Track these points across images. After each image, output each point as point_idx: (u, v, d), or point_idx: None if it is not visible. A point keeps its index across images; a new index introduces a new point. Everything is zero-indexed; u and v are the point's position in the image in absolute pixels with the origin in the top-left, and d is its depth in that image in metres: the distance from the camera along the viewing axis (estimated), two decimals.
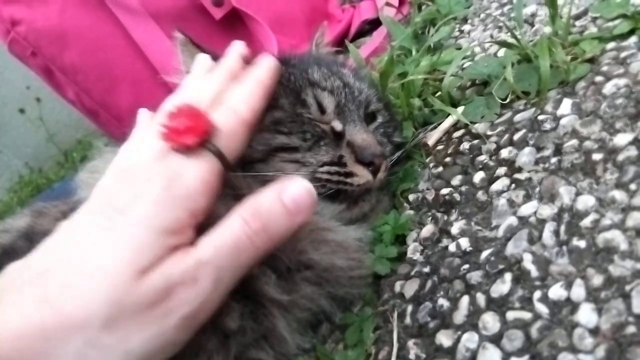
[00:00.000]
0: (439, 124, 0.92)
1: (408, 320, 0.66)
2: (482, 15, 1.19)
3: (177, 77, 0.88)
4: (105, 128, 1.51)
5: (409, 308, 0.67)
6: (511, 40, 0.87)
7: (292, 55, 0.95)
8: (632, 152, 0.63)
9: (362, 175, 0.74)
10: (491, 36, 1.08)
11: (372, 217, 0.80)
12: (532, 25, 1.03)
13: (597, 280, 0.55)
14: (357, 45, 1.64)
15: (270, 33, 1.44)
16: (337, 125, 0.78)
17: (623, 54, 0.78)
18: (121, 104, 1.43)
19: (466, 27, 1.21)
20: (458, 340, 0.60)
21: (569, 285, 0.56)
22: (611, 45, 0.82)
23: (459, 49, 1.12)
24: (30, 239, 0.95)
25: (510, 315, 0.58)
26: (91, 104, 1.44)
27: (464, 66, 1.07)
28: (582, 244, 0.59)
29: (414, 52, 1.15)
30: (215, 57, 0.82)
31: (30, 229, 0.99)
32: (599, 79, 0.77)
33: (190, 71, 0.82)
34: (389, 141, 0.85)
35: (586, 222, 0.61)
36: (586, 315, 0.53)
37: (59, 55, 1.38)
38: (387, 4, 1.39)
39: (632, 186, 0.60)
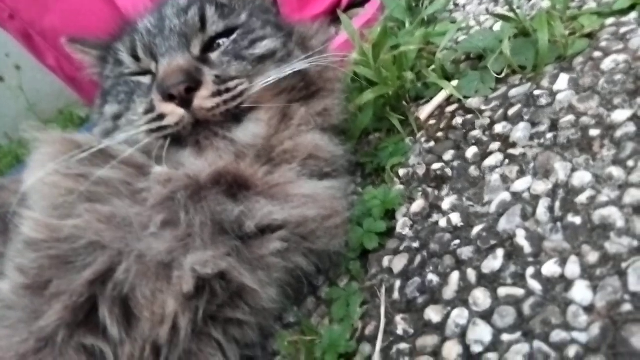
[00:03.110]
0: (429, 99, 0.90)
1: (396, 295, 0.65)
2: None
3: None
4: (86, 96, 1.46)
5: (397, 283, 0.66)
6: (509, 13, 0.84)
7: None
8: (630, 128, 0.62)
9: (170, 112, 0.66)
10: (487, 10, 1.06)
11: (287, 149, 0.72)
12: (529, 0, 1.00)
13: (593, 257, 0.53)
14: (350, 16, 1.60)
15: None
16: (153, 67, 0.74)
17: (623, 30, 0.76)
18: None
19: (461, 0, 1.18)
20: (447, 315, 0.58)
21: (563, 262, 0.55)
22: (610, 20, 0.80)
23: (454, 22, 1.09)
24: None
25: (502, 291, 0.56)
26: (72, 70, 1.39)
27: (459, 40, 1.04)
28: (577, 220, 0.57)
29: (407, 25, 1.12)
30: (92, 43, 0.89)
31: None
32: (597, 54, 0.75)
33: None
34: (237, 57, 0.72)
35: (582, 198, 0.59)
36: (581, 292, 0.51)
37: (39, 19, 1.33)
38: None
39: (630, 163, 0.59)
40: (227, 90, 0.68)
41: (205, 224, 0.63)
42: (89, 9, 1.33)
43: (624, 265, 0.51)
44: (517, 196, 0.65)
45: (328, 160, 0.75)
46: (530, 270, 0.56)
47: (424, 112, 0.89)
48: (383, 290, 0.66)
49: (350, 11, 1.49)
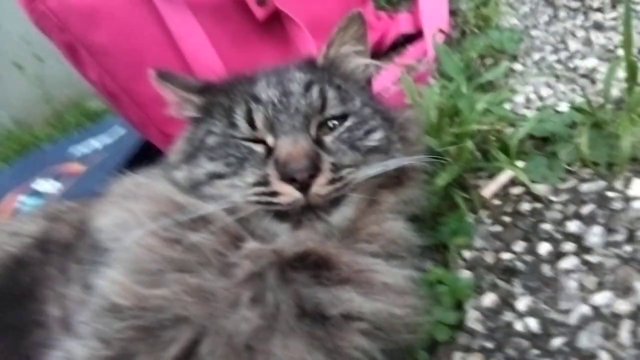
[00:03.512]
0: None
1: None
2: (536, 57, 1.17)
3: (170, 108, 0.90)
4: (125, 113, 1.44)
5: None
6: (586, 107, 0.85)
7: (263, 68, 0.88)
8: None
9: (287, 193, 0.66)
10: (547, 84, 1.06)
11: (372, 233, 0.73)
12: (592, 81, 1.01)
13: None
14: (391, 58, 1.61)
15: (309, 37, 1.38)
16: (270, 140, 0.73)
17: None
18: (146, 92, 1.36)
19: (517, 66, 1.18)
20: None
21: None
22: None
23: (512, 90, 1.10)
24: (45, 250, 0.91)
25: None
26: (114, 87, 1.37)
27: (517, 111, 1.05)
28: None
29: (463, 87, 1.12)
30: (187, 82, 0.85)
31: (45, 237, 0.94)
32: None
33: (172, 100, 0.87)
34: (352, 147, 0.74)
35: None
36: None
37: (88, 34, 1.30)
38: (441, 31, 1.35)
39: None
40: (340, 178, 0.68)
41: (290, 305, 0.63)
42: (140, 31, 1.31)
43: None
44: (597, 311, 0.66)
45: (407, 247, 0.75)
46: None
47: (488, 190, 0.90)
48: None
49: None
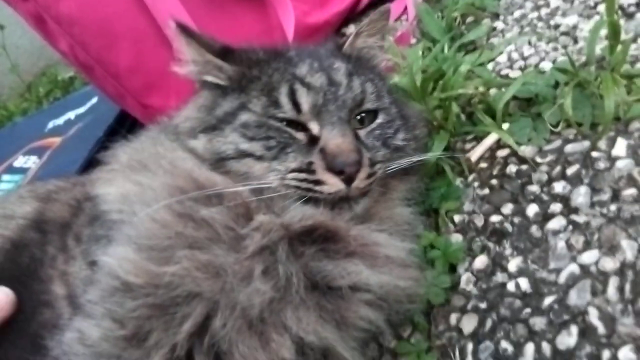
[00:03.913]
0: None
1: (470, 358, 0.69)
2: (517, 14, 1.17)
3: (179, 66, 0.83)
4: (99, 84, 1.40)
5: (470, 346, 0.70)
6: (568, 67, 0.86)
7: (291, 47, 0.90)
8: None
9: (333, 184, 0.69)
10: (530, 43, 1.07)
11: (383, 217, 0.77)
12: (574, 39, 1.02)
13: None
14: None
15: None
16: (314, 128, 0.74)
17: None
18: (120, 62, 1.33)
19: (498, 24, 1.18)
20: None
21: (637, 350, 0.60)
22: None
23: (493, 49, 1.11)
24: (41, 230, 0.90)
25: None
26: (86, 58, 1.32)
27: (501, 71, 1.06)
28: None
29: (446, 48, 1.12)
30: (211, 43, 0.79)
31: (40, 217, 0.93)
32: None
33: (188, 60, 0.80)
34: (383, 145, 0.77)
35: None
36: None
37: (55, 4, 1.25)
38: None
39: None
40: (374, 173, 0.72)
41: (300, 278, 0.65)
42: None
43: None
44: (585, 269, 0.69)
45: (412, 229, 0.78)
46: (606, 354, 0.61)
47: (475, 154, 0.92)
48: (457, 352, 0.70)
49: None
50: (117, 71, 1.35)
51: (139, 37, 1.30)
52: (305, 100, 0.73)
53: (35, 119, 2.12)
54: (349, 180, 0.69)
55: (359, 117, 0.77)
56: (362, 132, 0.76)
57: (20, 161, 1.76)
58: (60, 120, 1.96)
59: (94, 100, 1.93)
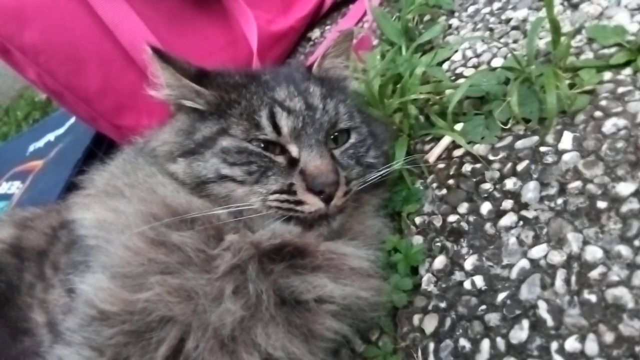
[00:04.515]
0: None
1: (431, 357, 0.73)
2: (471, 10, 1.19)
3: (155, 90, 0.85)
4: (71, 109, 1.42)
5: (431, 345, 0.74)
6: (513, 64, 0.89)
7: (265, 70, 0.93)
8: (635, 205, 0.70)
9: (313, 204, 0.73)
10: (482, 40, 1.09)
11: (356, 231, 0.82)
12: (525, 34, 1.04)
13: (609, 337, 0.62)
14: (329, 23, 1.60)
15: (247, 10, 1.38)
16: (293, 150, 0.77)
17: (620, 89, 0.83)
18: (89, 86, 1.35)
19: (454, 22, 1.21)
20: None
21: (582, 339, 0.64)
22: (608, 75, 0.86)
23: (450, 48, 1.13)
24: (19, 256, 0.94)
25: None
26: (55, 85, 1.34)
27: (456, 69, 1.09)
28: (592, 297, 0.66)
29: (403, 50, 1.15)
30: (187, 68, 0.82)
31: (17, 243, 0.96)
32: (598, 114, 0.81)
33: (164, 84, 0.82)
34: (357, 163, 0.82)
35: (594, 274, 0.67)
36: None
37: (18, 34, 1.27)
38: None
39: (637, 242, 0.67)
40: (350, 191, 0.76)
41: (270, 295, 0.69)
42: (71, 23, 1.28)
43: (637, 348, 0.60)
44: (534, 264, 0.73)
45: (380, 238, 0.84)
46: (554, 345, 0.65)
47: (432, 155, 0.95)
48: (419, 353, 0.74)
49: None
50: (87, 95, 1.37)
51: (105, 60, 1.32)
52: (285, 123, 0.77)
53: (16, 143, 2.14)
54: (328, 199, 0.73)
55: (332, 137, 0.81)
56: (337, 152, 0.81)
57: (4, 187, 1.79)
58: (40, 143, 1.98)
59: (72, 120, 1.95)
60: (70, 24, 1.28)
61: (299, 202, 0.73)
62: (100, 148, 1.55)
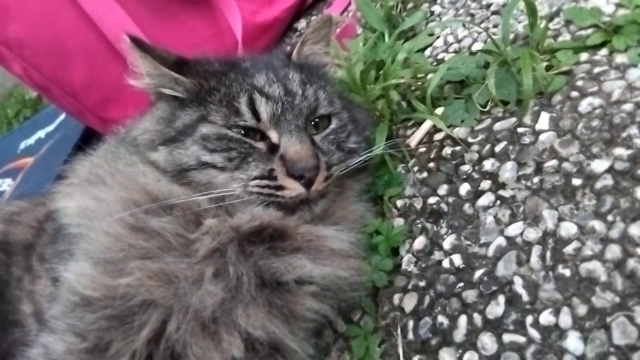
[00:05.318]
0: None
1: (411, 335, 0.74)
2: None
3: (135, 79, 0.85)
4: (58, 103, 1.43)
5: (410, 323, 0.75)
6: (492, 47, 0.90)
7: (245, 57, 0.93)
8: (609, 181, 0.71)
9: (294, 188, 0.74)
10: (463, 25, 1.10)
11: (339, 216, 0.83)
12: None
13: (582, 309, 0.63)
14: (315, 13, 1.61)
15: (231, 1, 1.38)
16: (273, 136, 0.78)
17: (596, 70, 0.84)
18: (75, 79, 1.36)
19: (436, 9, 1.22)
20: (460, 358, 0.68)
21: (557, 312, 0.65)
22: (585, 56, 0.87)
23: (432, 34, 1.14)
24: (6, 251, 0.94)
25: (506, 337, 0.66)
26: (41, 79, 1.35)
27: (438, 55, 1.10)
28: (566, 272, 0.67)
29: (386, 37, 1.15)
30: (166, 56, 0.82)
31: (4, 239, 0.97)
32: (574, 94, 0.82)
33: (144, 73, 0.82)
34: (338, 148, 0.83)
35: (569, 249, 0.68)
36: (573, 343, 0.62)
37: (2, 29, 1.28)
38: None
39: (610, 217, 0.68)
40: (331, 176, 0.77)
41: (251, 277, 0.69)
42: (55, 17, 1.29)
43: (608, 319, 0.61)
44: (511, 241, 0.74)
45: (362, 220, 0.85)
46: (529, 319, 0.66)
47: (414, 139, 0.95)
48: (399, 331, 0.75)
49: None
50: (73, 89, 1.38)
51: (90, 53, 1.33)
52: (264, 109, 0.78)
53: (7, 141, 2.15)
54: (308, 184, 0.74)
55: (313, 122, 0.82)
56: (317, 138, 0.81)
57: None
58: (31, 140, 1.98)
59: (62, 116, 1.96)
60: (54, 18, 1.28)
61: (280, 187, 0.74)
62: (90, 143, 1.56)
